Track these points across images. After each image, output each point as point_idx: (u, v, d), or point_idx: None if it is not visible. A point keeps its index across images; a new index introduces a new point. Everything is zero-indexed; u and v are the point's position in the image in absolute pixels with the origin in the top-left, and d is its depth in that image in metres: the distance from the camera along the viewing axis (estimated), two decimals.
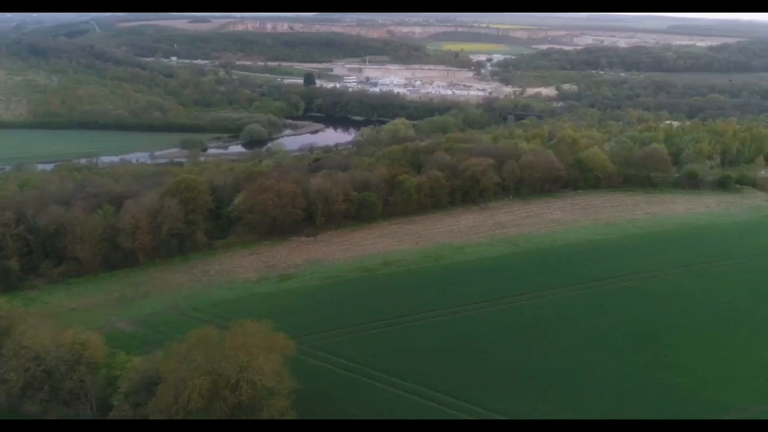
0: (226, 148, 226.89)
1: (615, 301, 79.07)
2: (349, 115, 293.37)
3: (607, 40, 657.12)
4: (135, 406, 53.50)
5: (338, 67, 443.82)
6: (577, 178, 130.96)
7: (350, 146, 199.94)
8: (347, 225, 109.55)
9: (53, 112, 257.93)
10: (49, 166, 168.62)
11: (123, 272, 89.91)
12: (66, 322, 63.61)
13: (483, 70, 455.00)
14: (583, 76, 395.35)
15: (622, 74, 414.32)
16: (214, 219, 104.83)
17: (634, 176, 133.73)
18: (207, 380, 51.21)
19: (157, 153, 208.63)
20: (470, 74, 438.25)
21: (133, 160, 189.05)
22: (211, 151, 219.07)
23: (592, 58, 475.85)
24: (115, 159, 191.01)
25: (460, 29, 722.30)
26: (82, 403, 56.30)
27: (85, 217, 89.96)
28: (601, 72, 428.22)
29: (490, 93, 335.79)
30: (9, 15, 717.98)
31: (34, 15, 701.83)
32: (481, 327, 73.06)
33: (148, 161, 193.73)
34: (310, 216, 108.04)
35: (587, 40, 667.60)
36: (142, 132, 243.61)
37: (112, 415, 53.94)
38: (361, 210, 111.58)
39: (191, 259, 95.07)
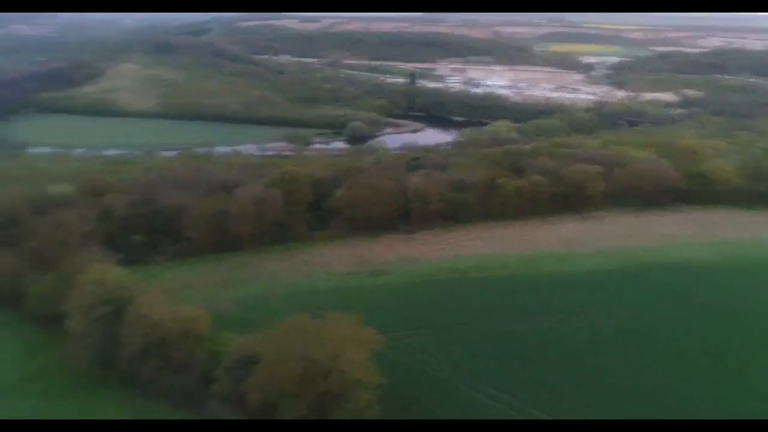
0: (329, 143, 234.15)
1: (730, 330, 72.16)
2: (450, 116, 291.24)
3: (736, 42, 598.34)
4: (234, 381, 57.05)
5: (441, 67, 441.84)
6: (695, 191, 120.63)
7: (450, 147, 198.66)
8: (442, 225, 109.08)
9: (177, 104, 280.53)
10: (171, 154, 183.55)
11: (229, 255, 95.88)
12: (178, 297, 69.16)
13: (593, 73, 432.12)
14: (707, 81, 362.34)
15: (752, 79, 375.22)
16: (314, 211, 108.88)
17: (764, 193, 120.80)
18: (300, 365, 53.46)
19: (266, 146, 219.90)
20: (579, 77, 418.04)
21: (244, 152, 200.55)
22: (315, 146, 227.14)
23: (719, 62, 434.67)
24: (228, 149, 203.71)
25: (569, 29, 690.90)
26: (188, 372, 60.78)
27: (200, 202, 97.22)
28: (729, 77, 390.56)
29: (601, 97, 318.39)
30: (143, 15, 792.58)
31: (164, 15, 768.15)
32: (575, 339, 69.88)
33: (257, 153, 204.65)
34: (406, 214, 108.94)
35: (714, 42, 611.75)
36: (253, 125, 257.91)
37: (214, 387, 57.89)
38: (457, 211, 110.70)
39: (291, 248, 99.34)
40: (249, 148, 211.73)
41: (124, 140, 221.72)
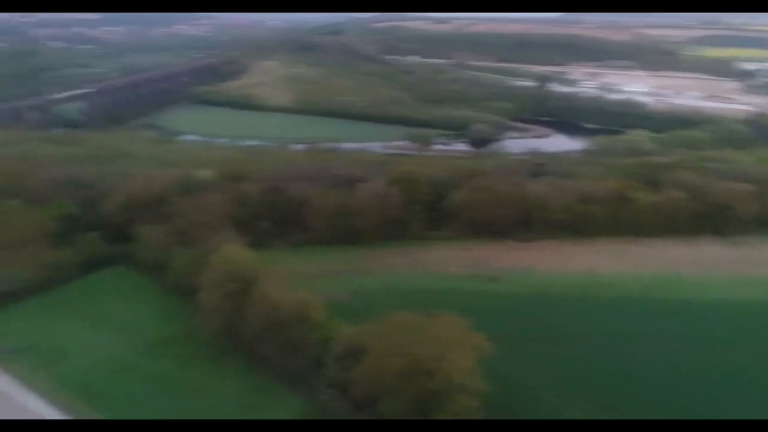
0: (450, 144, 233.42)
1: None
2: (581, 122, 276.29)
3: None
4: (342, 369, 59.06)
5: (574, 71, 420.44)
6: None
7: (579, 155, 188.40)
8: (565, 236, 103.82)
9: (311, 100, 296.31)
10: (301, 147, 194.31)
11: (348, 248, 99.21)
12: (297, 283, 72.77)
13: (752, 81, 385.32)
14: None
15: None
16: (431, 211, 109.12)
17: None
18: (402, 361, 53.91)
19: (390, 143, 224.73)
20: (735, 85, 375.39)
21: (369, 148, 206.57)
22: (436, 146, 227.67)
23: None
24: (355, 146, 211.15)
25: (725, 32, 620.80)
26: (301, 355, 63.97)
27: (324, 195, 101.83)
28: None
29: (760, 108, 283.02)
30: (288, 15, 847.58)
31: (306, 16, 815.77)
32: (704, 374, 63.06)
33: (380, 150, 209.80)
34: (526, 221, 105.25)
35: None
36: (379, 123, 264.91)
37: (322, 372, 60.40)
38: (581, 222, 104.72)
39: (407, 246, 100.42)
40: (374, 146, 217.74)
41: (262, 132, 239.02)
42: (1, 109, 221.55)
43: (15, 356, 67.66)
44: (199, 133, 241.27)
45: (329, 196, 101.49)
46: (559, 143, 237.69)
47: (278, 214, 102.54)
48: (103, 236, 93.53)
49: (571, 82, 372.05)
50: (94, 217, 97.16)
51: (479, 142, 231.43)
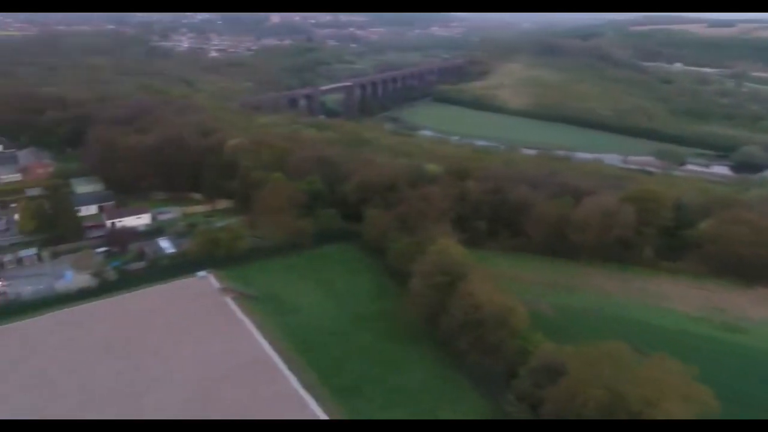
0: (707, 166, 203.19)
1: None
2: None
3: None
4: (535, 385, 56.69)
5: None
6: None
7: None
8: None
9: (548, 105, 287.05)
10: (531, 152, 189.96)
11: (561, 261, 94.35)
12: (503, 287, 71.93)
13: None
14: None
15: None
16: (667, 238, 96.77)
17: None
18: (606, 395, 49.43)
19: (630, 158, 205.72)
20: None
21: (605, 160, 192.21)
22: (688, 166, 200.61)
23: None
24: (588, 156, 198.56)
25: None
26: (495, 359, 63.27)
27: (546, 203, 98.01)
28: None
29: None
30: (540, 17, 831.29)
31: (560, 18, 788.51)
32: None
33: (618, 164, 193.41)
34: None
35: None
36: (620, 134, 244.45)
37: (514, 383, 58.76)
38: None
39: (629, 271, 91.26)
40: (611, 158, 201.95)
41: (493, 133, 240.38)
42: (282, 97, 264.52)
43: (257, 302, 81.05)
44: (435, 128, 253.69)
45: (551, 206, 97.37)
46: None
47: (496, 216, 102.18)
48: (339, 213, 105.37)
49: None
50: (334, 194, 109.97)
51: (746, 167, 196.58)
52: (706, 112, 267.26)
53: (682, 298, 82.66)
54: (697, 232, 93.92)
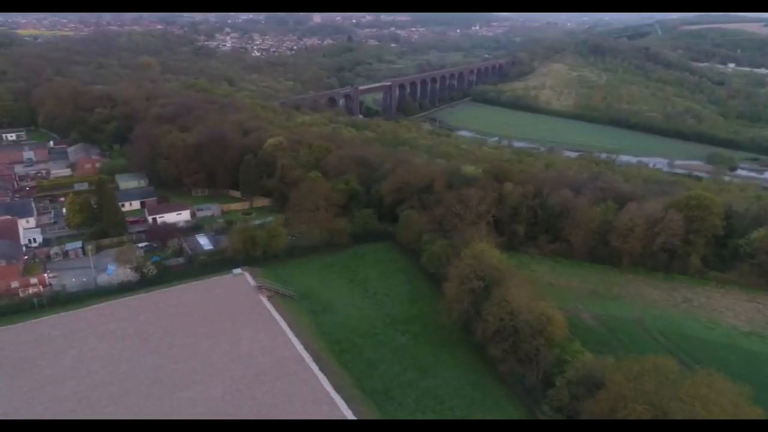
0: (761, 172, 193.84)
1: None
2: None
3: None
4: (572, 396, 54.80)
5: None
6: None
7: None
8: None
9: (593, 106, 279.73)
10: (573, 154, 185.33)
11: (603, 268, 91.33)
12: (541, 293, 69.97)
13: None
14: None
15: None
16: (717, 247, 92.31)
17: None
18: (649, 411, 47.22)
19: (677, 162, 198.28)
20: None
21: (650, 164, 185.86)
22: (740, 171, 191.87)
23: None
24: (633, 159, 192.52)
25: None
26: (531, 368, 61.53)
27: (588, 208, 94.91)
28: None
29: None
30: (586, 17, 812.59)
31: (608, 18, 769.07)
32: None
33: (665, 168, 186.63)
34: None
35: None
36: (668, 138, 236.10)
37: (550, 393, 56.94)
38: None
39: (674, 280, 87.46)
40: (657, 162, 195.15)
41: (534, 135, 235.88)
42: (321, 96, 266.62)
43: (292, 300, 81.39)
44: (474, 129, 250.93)
45: (593, 211, 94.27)
46: None
47: (535, 220, 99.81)
48: (375, 213, 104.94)
49: None
50: (370, 194, 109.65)
51: None
52: (761, 114, 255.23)
53: (731, 311, 78.63)
54: (748, 241, 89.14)
